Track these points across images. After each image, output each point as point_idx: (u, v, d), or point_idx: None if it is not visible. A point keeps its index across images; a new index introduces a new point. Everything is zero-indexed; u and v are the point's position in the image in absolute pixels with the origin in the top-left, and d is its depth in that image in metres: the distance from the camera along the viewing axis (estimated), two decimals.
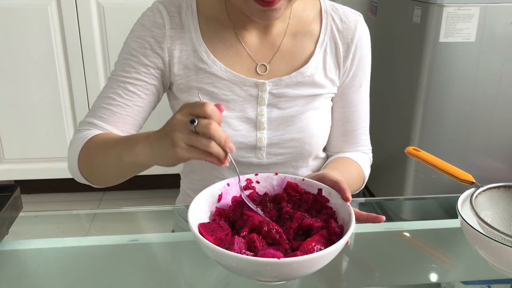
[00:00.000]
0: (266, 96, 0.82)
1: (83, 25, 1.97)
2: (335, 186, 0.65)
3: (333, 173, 0.71)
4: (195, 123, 0.57)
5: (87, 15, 1.96)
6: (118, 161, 0.69)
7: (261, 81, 0.82)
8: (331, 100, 0.89)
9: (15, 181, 2.19)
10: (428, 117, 1.69)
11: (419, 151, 0.80)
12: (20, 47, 1.98)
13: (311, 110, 0.85)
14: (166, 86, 0.86)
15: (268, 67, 0.83)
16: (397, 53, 1.82)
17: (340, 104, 0.89)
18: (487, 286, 0.71)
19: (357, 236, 0.80)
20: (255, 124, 0.83)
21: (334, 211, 0.65)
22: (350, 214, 0.60)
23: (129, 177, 0.76)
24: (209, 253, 0.55)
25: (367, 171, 0.91)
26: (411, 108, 1.72)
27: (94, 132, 0.80)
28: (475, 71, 1.63)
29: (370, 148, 0.95)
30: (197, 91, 0.82)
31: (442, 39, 1.58)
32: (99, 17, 1.98)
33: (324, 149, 0.93)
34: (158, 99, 0.85)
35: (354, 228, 0.58)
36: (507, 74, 1.65)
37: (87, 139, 0.78)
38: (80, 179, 0.81)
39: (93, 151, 0.76)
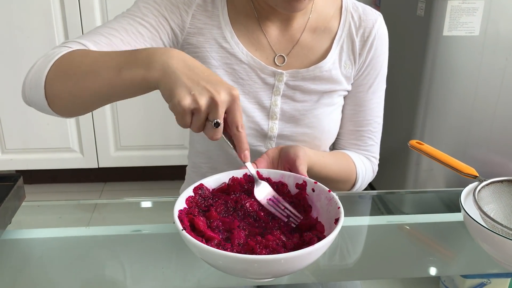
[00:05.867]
0: (282, 86, 0.83)
1: (85, 15, 1.97)
2: (295, 163, 0.67)
3: (306, 156, 0.72)
4: (218, 126, 0.56)
5: (89, 4, 1.95)
6: (115, 75, 0.59)
7: (279, 71, 0.83)
8: (344, 97, 0.89)
9: (16, 171, 2.19)
10: (431, 111, 1.69)
11: (422, 144, 0.79)
12: (21, 37, 1.97)
13: (325, 106, 0.85)
14: None
15: (286, 59, 0.84)
16: (401, 46, 1.81)
17: (349, 101, 0.89)
18: (487, 280, 0.71)
19: (358, 229, 0.80)
20: (268, 113, 0.84)
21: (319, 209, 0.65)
22: (336, 201, 0.60)
23: (105, 103, 0.66)
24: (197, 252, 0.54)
25: (362, 173, 0.89)
26: (414, 101, 1.71)
27: None
28: (478, 65, 1.63)
29: (377, 157, 0.93)
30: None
31: (446, 32, 1.57)
32: (101, 7, 1.97)
33: (331, 146, 0.93)
34: None
35: (343, 220, 0.57)
36: (511, 69, 1.64)
37: (73, 49, 0.68)
38: (34, 96, 0.68)
39: (80, 61, 0.64)
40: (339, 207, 0.59)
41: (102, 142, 2.18)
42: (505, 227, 0.61)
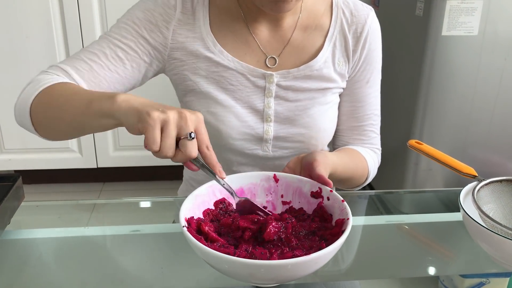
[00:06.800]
0: (273, 88, 0.82)
1: (84, 14, 1.96)
2: (319, 180, 0.66)
3: (326, 159, 0.71)
4: (193, 138, 0.57)
5: (88, 3, 1.95)
6: (85, 107, 0.64)
7: (268, 72, 0.82)
8: (339, 95, 0.89)
9: (15, 171, 2.19)
10: (430, 111, 1.69)
11: (421, 144, 0.80)
12: (20, 37, 1.97)
13: (319, 105, 0.84)
14: (158, 70, 0.84)
15: (277, 60, 0.83)
16: (399, 46, 1.81)
17: (347, 98, 0.89)
18: (486, 279, 0.71)
19: (357, 229, 0.80)
20: (262, 116, 0.83)
21: (329, 211, 0.65)
22: (346, 212, 0.60)
23: (82, 134, 0.72)
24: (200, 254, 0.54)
25: (372, 167, 0.89)
26: (413, 101, 1.71)
27: (65, 80, 0.75)
28: (477, 65, 1.63)
29: (380, 148, 0.94)
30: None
31: (444, 32, 1.57)
32: (100, 6, 1.97)
33: (332, 143, 0.93)
34: (141, 79, 0.82)
35: (351, 226, 0.57)
36: (509, 69, 1.65)
37: (56, 81, 0.73)
38: (23, 121, 0.75)
39: (60, 94, 0.70)
40: (348, 218, 0.59)
41: (101, 142, 2.18)
42: (504, 226, 0.61)
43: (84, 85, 0.76)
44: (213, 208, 0.65)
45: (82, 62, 0.77)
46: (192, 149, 0.57)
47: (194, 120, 0.58)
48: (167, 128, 0.56)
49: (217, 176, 0.62)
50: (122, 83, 0.80)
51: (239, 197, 0.65)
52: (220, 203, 0.65)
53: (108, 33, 0.80)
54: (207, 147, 0.60)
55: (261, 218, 0.61)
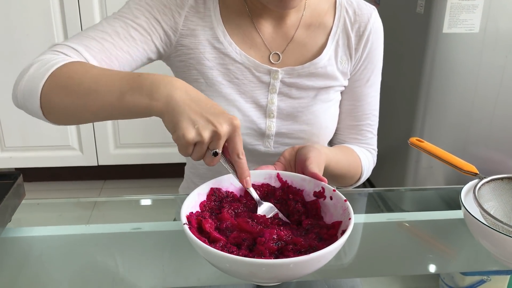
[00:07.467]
0: (277, 84, 0.83)
1: (84, 12, 1.96)
2: (313, 177, 0.66)
3: (319, 155, 0.71)
4: (216, 155, 0.58)
5: (89, 4, 1.95)
6: (117, 100, 0.60)
7: (274, 68, 0.82)
8: (341, 93, 0.89)
9: (16, 169, 2.19)
10: (430, 109, 1.69)
11: (422, 142, 0.80)
12: (21, 35, 1.97)
13: (321, 102, 0.85)
14: (160, 56, 0.82)
15: (281, 57, 0.83)
16: (400, 43, 1.80)
17: (346, 96, 0.89)
18: (487, 277, 0.71)
19: (358, 226, 0.80)
20: (265, 112, 0.83)
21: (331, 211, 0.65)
22: (349, 212, 0.60)
23: (102, 121, 0.67)
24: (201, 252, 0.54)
25: (366, 167, 0.89)
26: (413, 99, 1.71)
27: (77, 60, 0.69)
28: (478, 62, 1.62)
29: (376, 149, 0.94)
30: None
31: (445, 29, 1.57)
32: (101, 4, 1.96)
33: (329, 141, 0.93)
34: (144, 62, 0.80)
35: (353, 225, 0.57)
36: (511, 66, 1.64)
37: (68, 61, 0.67)
38: (27, 105, 0.69)
39: (79, 78, 0.63)
40: (350, 218, 0.59)
41: (101, 139, 2.18)
42: (506, 224, 0.61)
43: (95, 64, 0.71)
44: (207, 200, 0.64)
45: (93, 40, 0.73)
46: (211, 162, 0.59)
47: (229, 133, 0.58)
48: (199, 146, 0.58)
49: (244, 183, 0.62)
50: (130, 65, 0.77)
51: (263, 202, 0.65)
52: (212, 195, 0.64)
53: (118, 13, 0.77)
54: (238, 155, 0.60)
55: (256, 227, 0.60)
